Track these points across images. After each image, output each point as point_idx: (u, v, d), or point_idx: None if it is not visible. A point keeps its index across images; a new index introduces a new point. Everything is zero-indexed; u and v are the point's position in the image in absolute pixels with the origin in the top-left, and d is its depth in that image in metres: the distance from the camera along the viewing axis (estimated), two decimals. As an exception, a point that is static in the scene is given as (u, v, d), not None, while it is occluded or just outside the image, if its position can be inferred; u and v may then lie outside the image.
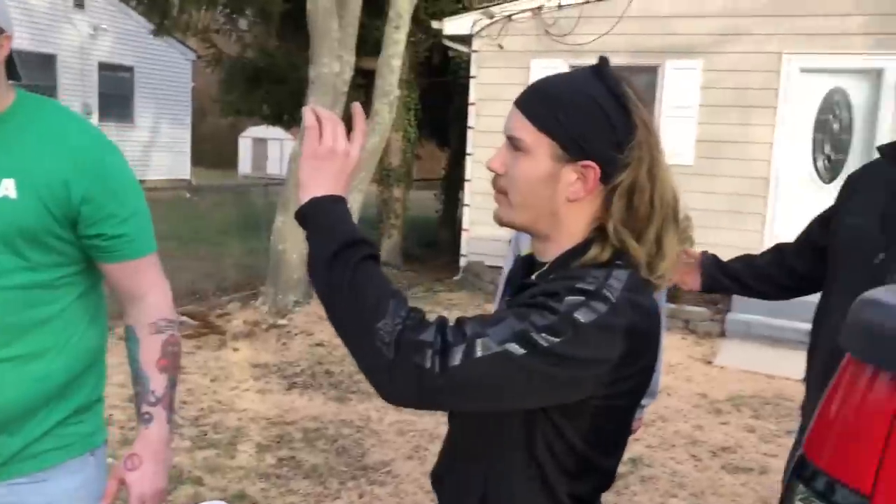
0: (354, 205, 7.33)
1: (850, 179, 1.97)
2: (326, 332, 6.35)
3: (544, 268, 1.17)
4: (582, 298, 1.04)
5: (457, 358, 0.99)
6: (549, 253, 1.18)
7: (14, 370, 1.45)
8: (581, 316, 1.02)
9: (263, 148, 29.96)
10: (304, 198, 1.12)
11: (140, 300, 1.59)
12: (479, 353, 1.00)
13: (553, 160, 1.12)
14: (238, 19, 11.14)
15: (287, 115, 11.22)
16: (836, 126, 7.72)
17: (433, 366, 0.99)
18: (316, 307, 6.88)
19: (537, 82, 1.17)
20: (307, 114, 1.14)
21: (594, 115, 1.10)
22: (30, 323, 1.46)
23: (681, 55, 8.01)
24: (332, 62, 6.60)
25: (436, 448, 4.22)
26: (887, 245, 1.74)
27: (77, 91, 16.52)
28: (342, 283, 1.04)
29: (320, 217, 1.11)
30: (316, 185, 1.12)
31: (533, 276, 1.18)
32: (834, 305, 1.78)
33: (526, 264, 1.26)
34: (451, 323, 1.05)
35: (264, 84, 10.67)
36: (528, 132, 1.12)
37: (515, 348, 1.00)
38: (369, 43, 9.70)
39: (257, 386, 5.16)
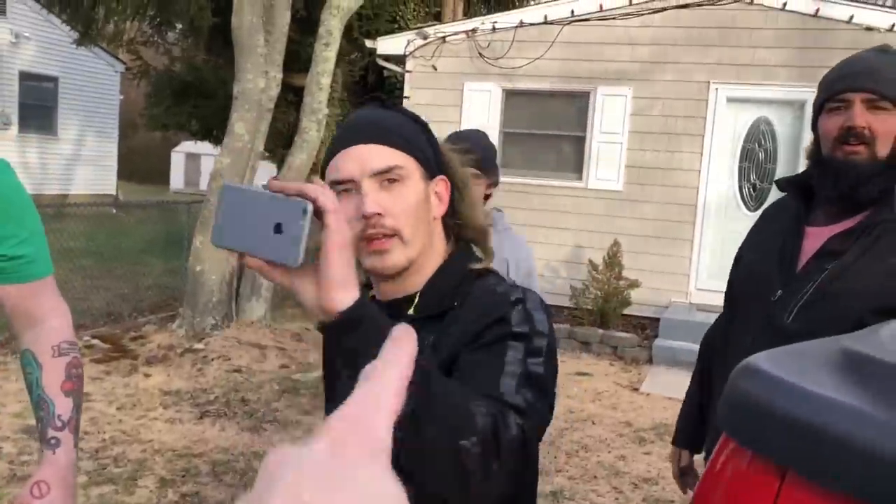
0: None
1: (763, 215, 1.88)
2: (245, 357, 6.11)
3: (418, 299, 1.13)
4: (522, 308, 1.07)
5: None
6: (413, 284, 1.13)
7: None
8: (539, 325, 1.07)
9: (196, 163, 29.33)
10: (346, 299, 0.89)
11: (40, 323, 1.54)
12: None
13: (423, 181, 1.13)
14: (166, 32, 10.82)
15: (216, 130, 10.92)
16: (761, 155, 7.87)
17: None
18: (235, 331, 6.62)
19: (362, 119, 1.16)
20: (325, 198, 0.89)
21: (424, 137, 1.16)
22: None
23: (611, 82, 8.06)
24: (258, 78, 6.41)
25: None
26: (785, 282, 1.64)
27: (-4, 100, 15.86)
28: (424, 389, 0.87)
29: (373, 321, 0.90)
30: (352, 283, 0.90)
31: (410, 312, 1.12)
32: (731, 351, 1.65)
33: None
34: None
35: (192, 98, 10.36)
36: (400, 158, 1.11)
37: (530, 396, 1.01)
38: (302, 60, 9.52)
39: (167, 414, 4.89)
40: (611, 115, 8.08)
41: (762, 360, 0.90)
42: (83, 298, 7.73)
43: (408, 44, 8.73)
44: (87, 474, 3.92)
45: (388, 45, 8.95)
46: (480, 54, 8.44)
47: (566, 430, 5.00)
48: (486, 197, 2.35)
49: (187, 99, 10.52)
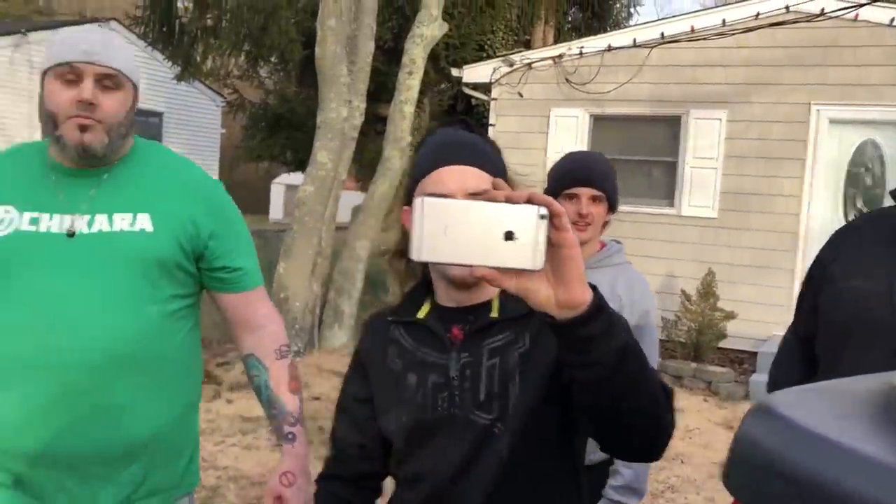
0: (362, 252, 7.13)
1: (850, 230, 1.63)
2: (325, 385, 6.09)
3: (498, 302, 1.22)
4: None
5: None
6: (487, 291, 1.22)
7: (153, 397, 1.53)
8: None
9: (294, 194, 30.16)
10: (589, 292, 0.96)
11: (259, 329, 1.69)
12: None
13: None
14: (261, 65, 11.17)
15: (308, 161, 11.17)
16: (868, 179, 7.38)
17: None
18: (317, 358, 6.63)
19: (458, 139, 1.24)
20: (554, 203, 0.97)
21: (501, 160, 1.27)
22: (162, 356, 1.54)
23: (704, 105, 7.76)
24: (341, 107, 6.46)
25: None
26: None
27: (107, 135, 16.76)
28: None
29: (612, 313, 0.99)
30: (584, 279, 0.98)
31: (494, 314, 1.21)
32: None
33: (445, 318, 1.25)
34: None
35: (284, 130, 10.62)
36: (488, 182, 1.13)
37: None
38: (389, 90, 9.64)
39: (245, 441, 4.89)
40: (704, 140, 7.77)
41: (780, 398, 0.70)
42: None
43: (493, 71, 8.68)
44: (161, 500, 3.93)
45: (474, 73, 8.92)
46: (567, 80, 8.30)
47: (652, 469, 4.72)
48: (604, 224, 2.13)
49: (280, 130, 10.79)
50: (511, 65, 8.59)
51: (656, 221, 7.89)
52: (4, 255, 1.46)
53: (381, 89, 8.52)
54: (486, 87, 9.00)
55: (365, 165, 10.08)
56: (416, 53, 6.87)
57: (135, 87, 1.56)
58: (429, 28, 6.84)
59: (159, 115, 17.97)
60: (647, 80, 7.93)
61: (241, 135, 19.74)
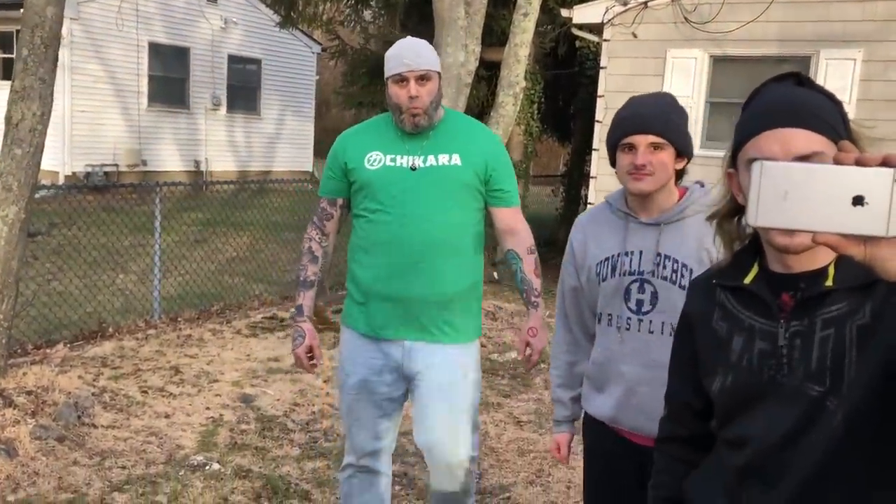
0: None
1: None
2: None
3: (834, 270, 1.14)
4: None
5: None
6: (823, 257, 1.14)
7: (456, 269, 2.45)
8: None
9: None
10: None
11: (517, 233, 2.54)
12: None
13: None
14: (362, 10, 11.03)
15: (408, 107, 11.05)
16: None
17: None
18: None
19: (784, 100, 1.16)
20: None
21: (839, 116, 1.18)
22: (463, 243, 2.47)
23: (837, 44, 7.25)
24: (458, 52, 6.30)
25: (560, 474, 3.85)
26: None
27: (207, 83, 17.01)
28: None
29: None
30: None
31: (828, 283, 1.14)
32: None
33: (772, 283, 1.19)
34: None
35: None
36: (820, 144, 1.12)
37: None
38: (495, 33, 9.36)
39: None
40: (836, 82, 7.27)
41: None
42: (288, 271, 8.08)
43: (606, 11, 8.31)
44: (299, 447, 4.00)
45: (584, 13, 8.57)
46: (686, 19, 7.88)
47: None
48: (678, 173, 1.96)
49: (381, 76, 10.68)
50: (625, 4, 8.21)
51: (780, 169, 7.48)
52: (378, 179, 2.43)
53: (485, 32, 8.29)
54: (597, 29, 8.65)
55: (467, 111, 9.91)
56: (531, -6, 6.60)
57: (438, 75, 2.42)
58: (546, -33, 6.54)
59: (258, 62, 18.13)
60: (774, 18, 7.44)
61: (333, 82, 19.75)
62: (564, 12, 8.86)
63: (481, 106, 9.98)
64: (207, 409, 4.45)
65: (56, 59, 4.03)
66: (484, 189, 2.48)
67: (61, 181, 13.55)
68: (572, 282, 2.11)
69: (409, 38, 2.48)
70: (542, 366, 5.59)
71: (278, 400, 4.65)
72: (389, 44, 9.37)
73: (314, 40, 18.93)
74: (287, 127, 19.12)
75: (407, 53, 2.37)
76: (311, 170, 19.43)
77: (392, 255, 2.42)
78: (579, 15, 8.61)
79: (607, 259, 1.99)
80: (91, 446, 3.80)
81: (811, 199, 0.86)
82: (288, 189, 10.47)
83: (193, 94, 16.76)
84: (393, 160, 2.44)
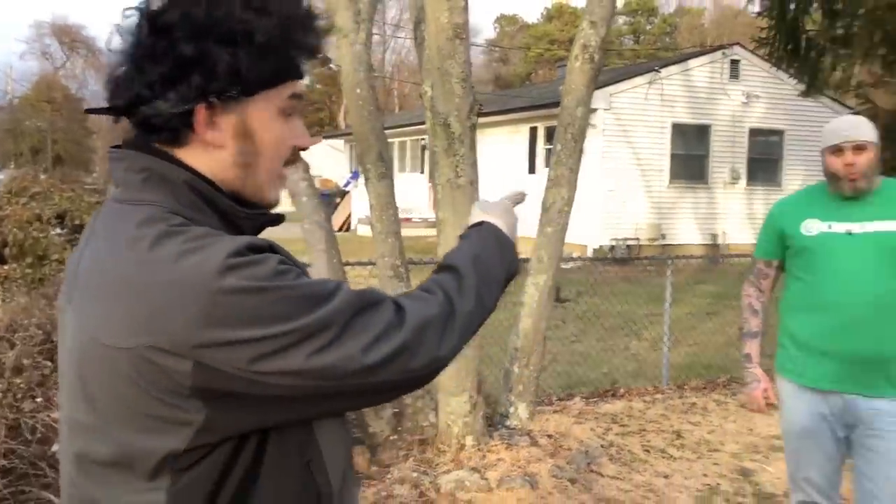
0: None
1: None
2: None
3: None
4: None
5: None
6: None
7: (892, 331, 2.59)
8: None
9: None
10: None
11: None
12: None
13: None
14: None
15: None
16: None
17: None
18: None
19: None
20: None
21: None
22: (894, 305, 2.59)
23: None
24: None
25: None
26: None
27: (727, 158, 17.21)
28: None
29: None
30: None
31: None
32: None
33: None
34: None
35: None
36: None
37: None
38: None
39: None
40: None
41: None
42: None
43: None
44: None
45: None
46: None
47: None
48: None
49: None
50: None
51: None
52: (816, 245, 2.67)
53: None
54: None
55: None
56: None
57: (874, 145, 2.60)
58: None
59: (780, 132, 17.75)
60: None
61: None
62: None
63: None
64: (705, 475, 4.56)
65: (581, 151, 4.72)
66: None
67: (589, 254, 15.07)
68: None
69: (849, 116, 2.85)
70: None
71: (778, 479, 4.52)
72: (925, 104, 8.31)
73: (845, 106, 17.75)
74: (811, 198, 18.13)
75: (846, 128, 2.65)
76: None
77: (833, 315, 2.64)
78: None
79: None
80: (597, 492, 4.23)
81: None
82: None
83: (713, 170, 17.13)
84: (829, 227, 2.68)
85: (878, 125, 8.82)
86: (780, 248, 2.81)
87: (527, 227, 5.00)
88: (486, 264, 1.11)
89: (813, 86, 10.63)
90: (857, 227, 2.63)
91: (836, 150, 2.63)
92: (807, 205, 2.78)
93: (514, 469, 4.27)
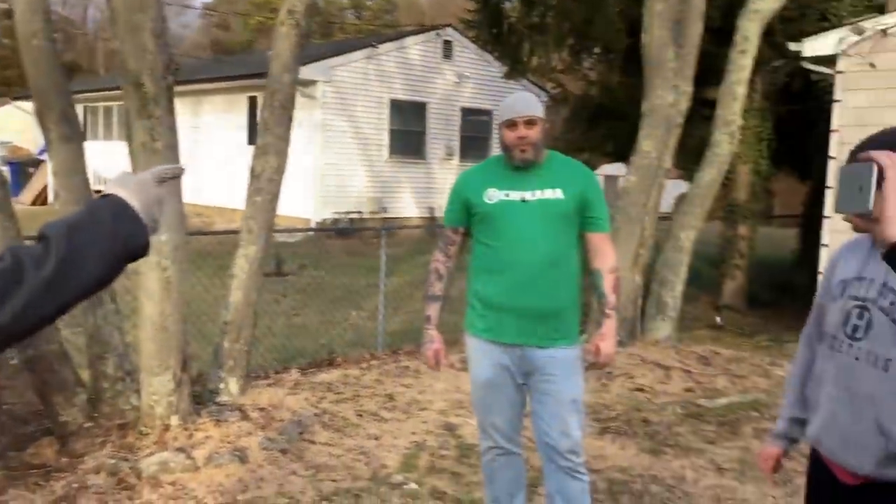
0: (687, 242, 6.88)
1: None
2: (648, 376, 5.99)
3: None
4: None
5: None
6: None
7: (562, 288, 2.93)
8: None
9: (614, 185, 30.07)
10: None
11: (604, 255, 2.99)
12: None
13: None
14: (584, 58, 11.27)
15: (628, 151, 11.03)
16: None
17: None
18: (640, 349, 6.54)
19: None
20: (879, 155, 1.26)
21: None
22: (566, 264, 2.92)
23: None
24: (666, 93, 6.28)
25: (756, 524, 3.68)
26: None
27: (442, 134, 18.09)
28: None
29: None
30: None
31: None
32: None
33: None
34: None
35: (606, 120, 10.61)
36: None
37: None
38: (716, 73, 9.13)
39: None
40: None
41: None
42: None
43: (839, 41, 7.80)
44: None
45: (815, 45, 8.10)
46: (933, 44, 7.19)
47: None
48: None
49: (601, 121, 10.81)
50: (860, 33, 7.65)
51: None
52: (497, 211, 2.91)
53: (707, 72, 8.12)
54: (829, 61, 8.13)
55: (689, 152, 9.68)
56: (750, 30, 6.45)
57: (542, 121, 2.91)
58: (766, 1, 6.36)
59: (488, 112, 18.97)
60: None
61: (560, 127, 20.10)
62: (793, 46, 8.43)
63: (702, 145, 9.73)
64: (413, 433, 4.77)
65: (291, 119, 4.66)
66: (579, 217, 2.95)
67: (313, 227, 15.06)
68: (820, 299, 2.16)
69: (521, 92, 2.99)
70: (754, 414, 5.32)
71: (479, 431, 4.86)
72: (610, 90, 9.60)
73: (542, 88, 19.45)
74: (516, 173, 19.67)
75: (519, 105, 2.93)
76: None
77: (512, 273, 2.92)
78: (810, 48, 8.15)
79: (844, 280, 2.03)
80: (308, 459, 4.25)
81: (850, 190, 1.26)
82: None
83: (430, 146, 17.90)
84: (507, 195, 2.92)
85: (569, 108, 9.71)
86: (466, 215, 3.02)
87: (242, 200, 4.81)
88: (87, 235, 1.06)
89: (515, 69, 11.49)
90: (529, 195, 2.90)
91: (511, 124, 2.87)
92: (488, 175, 3.01)
93: (223, 445, 4.15)
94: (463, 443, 4.65)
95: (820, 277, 7.99)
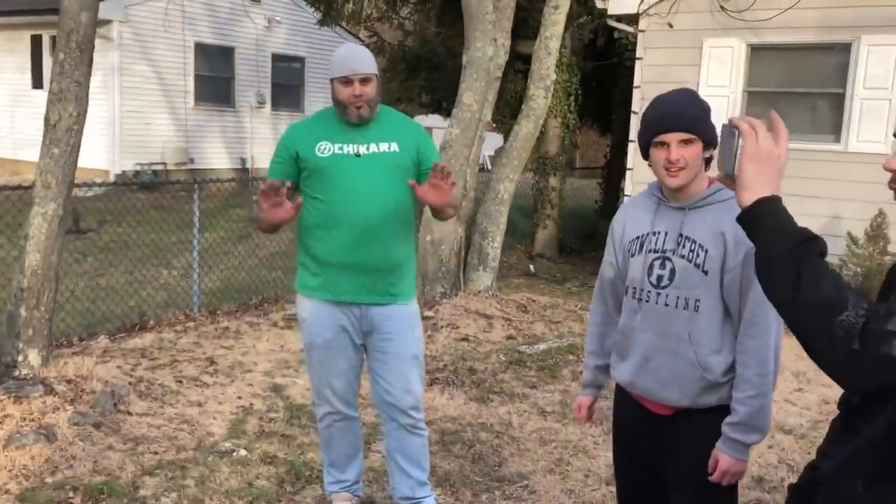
0: (506, 194, 7.07)
1: None
2: (472, 326, 6.14)
3: None
4: None
5: None
6: None
7: (399, 243, 2.90)
8: None
9: (431, 137, 30.37)
10: (749, 198, 1.24)
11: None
12: None
13: None
14: (400, 7, 11.14)
15: (446, 102, 11.12)
16: None
17: None
18: (463, 300, 6.69)
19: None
20: (740, 122, 1.29)
21: None
22: (402, 218, 2.90)
23: (880, 30, 7.07)
24: (486, 46, 6.34)
25: (580, 463, 3.89)
26: None
27: (252, 81, 17.31)
28: (798, 279, 1.15)
29: (770, 217, 1.22)
30: (758, 187, 1.25)
31: None
32: None
33: None
34: None
35: (423, 71, 10.60)
36: None
37: None
38: (531, 27, 9.36)
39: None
40: (878, 69, 7.11)
41: None
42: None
43: (641, 1, 8.25)
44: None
45: (620, 4, 8.51)
46: (722, 7, 7.77)
47: (820, 423, 4.49)
48: (708, 161, 2.10)
49: (419, 72, 10.78)
50: (661, -6, 8.12)
51: (820, 158, 7.35)
52: (329, 165, 2.82)
53: (520, 26, 8.31)
54: (632, 19, 8.58)
55: (503, 105, 9.92)
56: (562, -13, 6.61)
57: (377, 77, 2.83)
58: (576, -41, 6.54)
59: (301, 59, 18.37)
60: (813, 4, 7.30)
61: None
62: (599, 3, 8.81)
63: (518, 100, 9.99)
64: (239, 398, 4.59)
65: (91, 62, 4.20)
66: (417, 169, 2.90)
67: (111, 180, 13.95)
68: (610, 258, 2.30)
69: (351, 45, 3.01)
70: (571, 357, 5.62)
71: (308, 389, 4.76)
72: (427, 41, 9.53)
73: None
74: (331, 124, 19.29)
75: (353, 59, 2.82)
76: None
77: (348, 228, 2.84)
78: (614, 5, 8.55)
79: (638, 237, 2.18)
80: (125, 432, 3.96)
81: (724, 152, 1.33)
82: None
83: (239, 93, 17.08)
84: (340, 148, 2.86)
85: (385, 57, 9.56)
86: (294, 169, 2.90)
87: (34, 151, 4.28)
88: None
89: (329, 15, 11.17)
90: (364, 149, 2.84)
91: (346, 81, 2.76)
92: (320, 128, 2.91)
93: (25, 424, 3.76)
94: (292, 403, 4.53)
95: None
